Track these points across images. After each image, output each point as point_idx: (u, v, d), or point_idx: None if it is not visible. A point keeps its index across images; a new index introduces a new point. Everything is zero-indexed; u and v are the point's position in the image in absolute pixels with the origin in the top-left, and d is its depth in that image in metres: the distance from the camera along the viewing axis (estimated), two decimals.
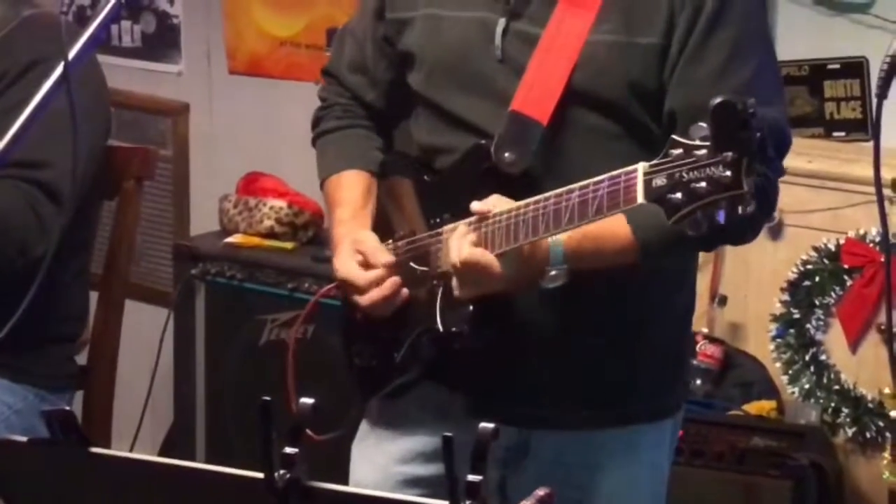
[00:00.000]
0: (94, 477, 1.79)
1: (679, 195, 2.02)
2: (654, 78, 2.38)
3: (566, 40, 2.40)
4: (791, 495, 3.31)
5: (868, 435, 3.47)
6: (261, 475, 1.58)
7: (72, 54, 2.18)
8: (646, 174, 2.07)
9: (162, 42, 4.47)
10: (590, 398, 2.50)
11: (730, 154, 1.98)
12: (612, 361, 2.51)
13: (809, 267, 3.57)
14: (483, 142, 2.41)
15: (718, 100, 2.03)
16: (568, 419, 2.49)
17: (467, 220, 2.32)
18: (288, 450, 1.59)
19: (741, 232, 2.48)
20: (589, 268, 2.34)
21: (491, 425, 1.52)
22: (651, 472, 2.60)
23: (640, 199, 2.08)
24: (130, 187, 3.23)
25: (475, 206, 2.30)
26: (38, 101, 2.20)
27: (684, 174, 2.02)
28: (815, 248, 3.56)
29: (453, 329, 2.41)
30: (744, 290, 3.66)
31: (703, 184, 2.00)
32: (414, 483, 2.52)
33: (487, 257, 2.25)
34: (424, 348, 2.49)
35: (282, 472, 1.58)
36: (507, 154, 2.37)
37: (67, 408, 3.00)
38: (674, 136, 2.05)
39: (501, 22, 2.44)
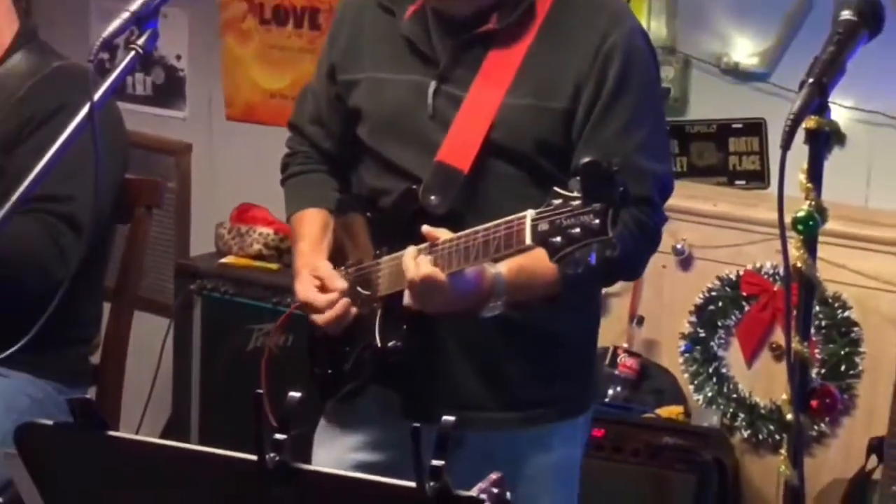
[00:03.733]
0: (109, 456, 1.79)
1: (559, 238, 2.04)
2: (560, 136, 2.38)
3: (486, 102, 2.40)
4: (695, 486, 3.33)
5: (760, 436, 3.52)
6: (254, 457, 1.58)
7: (96, 97, 2.16)
8: (533, 220, 2.07)
9: (169, 91, 4.46)
10: (509, 404, 2.50)
11: (598, 205, 2.00)
12: (528, 371, 2.50)
13: (713, 294, 3.60)
14: (413, 186, 2.40)
15: (586, 159, 2.06)
16: (491, 421, 2.48)
17: (419, 246, 2.30)
18: (278, 436, 1.62)
19: (628, 271, 2.54)
20: (522, 299, 2.34)
21: (452, 418, 1.53)
22: (565, 462, 2.60)
23: (528, 241, 2.08)
24: (141, 214, 3.22)
25: (426, 229, 2.29)
26: (64, 140, 2.16)
27: (563, 221, 2.04)
28: (719, 278, 3.58)
29: (389, 344, 2.41)
30: (658, 312, 3.66)
31: (578, 229, 2.02)
32: (364, 468, 2.49)
33: (442, 276, 2.24)
34: (367, 361, 2.48)
35: (272, 454, 1.61)
36: (432, 197, 2.37)
37: (83, 396, 3.01)
38: (555, 188, 2.06)
39: (433, 84, 2.43)
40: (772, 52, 3.57)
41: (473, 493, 1.53)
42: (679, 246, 3.56)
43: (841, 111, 3.35)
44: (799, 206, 2.33)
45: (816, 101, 2.25)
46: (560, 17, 2.42)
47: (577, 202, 2.02)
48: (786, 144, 2.25)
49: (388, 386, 2.50)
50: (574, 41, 2.40)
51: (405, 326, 2.40)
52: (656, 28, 3.59)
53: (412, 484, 1.52)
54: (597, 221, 2.00)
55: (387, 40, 2.51)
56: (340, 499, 1.65)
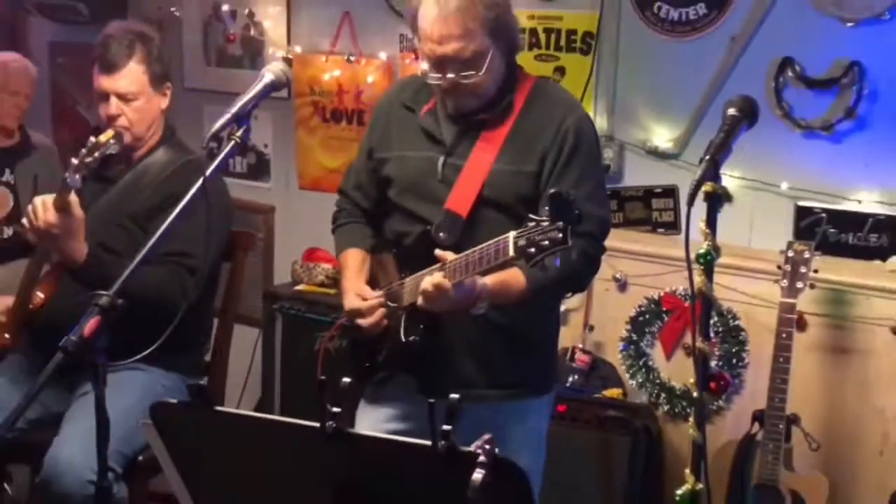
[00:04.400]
0: (216, 425, 1.79)
1: (533, 249, 2.07)
2: (531, 190, 2.39)
3: (479, 168, 2.41)
4: (630, 446, 3.32)
5: (676, 410, 3.50)
6: (317, 424, 1.60)
7: (208, 171, 2.18)
8: (514, 238, 2.10)
9: (259, 169, 4.46)
10: (494, 384, 2.49)
11: (561, 223, 2.04)
12: (510, 360, 2.50)
13: (642, 309, 3.57)
14: (427, 229, 2.41)
15: (552, 190, 2.11)
16: (481, 396, 2.45)
17: (434, 266, 2.30)
18: (334, 409, 1.62)
19: (576, 283, 2.53)
20: (501, 302, 2.35)
21: (457, 396, 1.55)
22: (536, 429, 2.59)
23: (511, 253, 2.10)
24: (239, 256, 3.24)
25: (439, 252, 2.29)
26: (184, 204, 2.18)
27: (535, 237, 2.07)
28: (646, 298, 3.55)
29: (410, 339, 2.41)
30: (604, 322, 3.63)
31: (546, 242, 2.06)
32: (392, 434, 2.46)
33: (448, 285, 2.24)
34: (394, 354, 2.48)
35: (329, 423, 1.61)
36: (441, 234, 2.38)
37: (199, 383, 3.02)
38: (530, 215, 2.09)
39: (441, 158, 2.44)
40: (681, 139, 3.57)
41: (472, 448, 1.54)
42: (618, 276, 3.55)
43: (731, 179, 3.35)
44: (700, 246, 2.35)
45: (711, 172, 2.27)
46: (530, 109, 2.44)
47: (545, 223, 2.06)
48: (690, 202, 2.27)
49: (409, 372, 2.49)
50: (540, 125, 2.42)
51: (421, 327, 2.41)
52: (600, 122, 3.59)
53: (428, 443, 1.53)
54: (560, 235, 2.05)
55: (409, 129, 2.52)
56: (377, 454, 1.65)
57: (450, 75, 2.34)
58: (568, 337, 3.55)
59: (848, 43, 3.26)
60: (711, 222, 2.31)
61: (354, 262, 2.57)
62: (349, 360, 2.59)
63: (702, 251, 2.32)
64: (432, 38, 2.32)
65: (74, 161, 2.68)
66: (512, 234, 2.11)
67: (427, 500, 1.63)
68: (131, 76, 2.91)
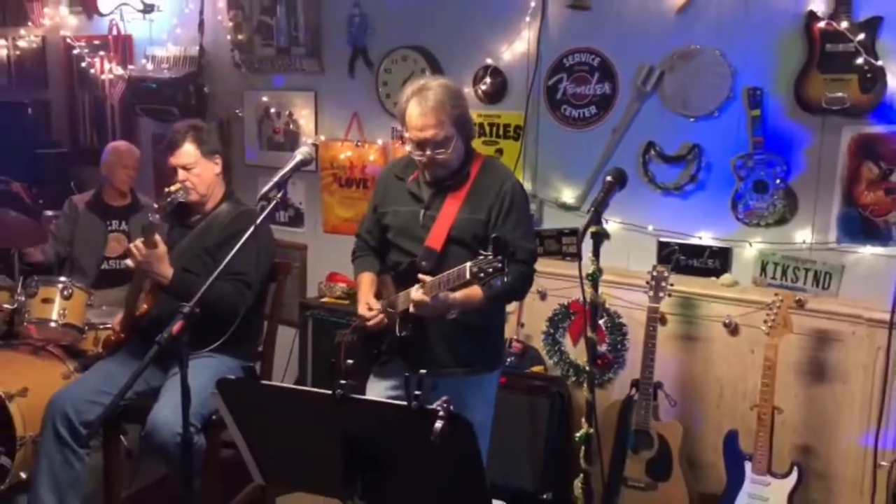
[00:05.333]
0: (263, 395, 1.80)
1: (482, 274, 2.08)
2: (483, 231, 2.39)
3: (448, 217, 2.42)
4: (549, 406, 3.29)
5: (580, 380, 3.46)
6: (330, 392, 1.63)
7: (259, 220, 2.21)
8: (469, 267, 2.11)
9: (296, 219, 4.40)
10: (461, 362, 2.48)
11: (500, 257, 2.05)
12: (472, 347, 2.49)
13: (557, 310, 3.55)
14: (414, 259, 2.41)
15: (494, 234, 2.14)
16: (451, 373, 2.45)
17: (416, 286, 2.30)
18: (343, 381, 1.64)
19: (517, 295, 2.53)
20: (468, 310, 2.34)
21: (425, 371, 1.60)
22: (488, 394, 2.58)
23: (467, 276, 2.12)
24: (281, 278, 3.21)
25: (420, 276, 2.30)
26: (242, 243, 2.22)
27: (483, 266, 2.08)
28: (560, 304, 3.53)
29: (403, 334, 2.41)
30: (532, 320, 3.60)
31: (491, 269, 2.07)
32: (392, 398, 2.43)
33: (427, 299, 2.25)
34: (392, 344, 2.47)
35: (338, 391, 1.63)
36: (423, 263, 2.38)
37: (251, 365, 2.99)
38: (480, 251, 2.10)
39: (422, 211, 2.45)
40: (581, 196, 3.57)
41: (434, 406, 1.56)
42: (540, 290, 3.54)
43: (615, 223, 3.37)
44: (589, 269, 2.37)
45: (595, 219, 2.31)
46: (481, 178, 2.45)
47: (490, 256, 2.08)
48: (580, 240, 2.30)
49: (402, 356, 2.48)
50: (487, 188, 2.43)
51: (410, 325, 2.40)
52: (528, 185, 3.59)
53: (405, 403, 1.55)
54: (500, 265, 2.06)
55: (400, 192, 2.53)
56: (372, 412, 1.66)
57: (428, 152, 2.38)
58: (507, 331, 3.48)
59: (691, 132, 3.29)
60: (596, 252, 2.34)
61: (366, 282, 2.58)
62: (360, 349, 2.58)
63: (590, 272, 2.35)
64: (416, 127, 2.36)
65: (155, 205, 2.79)
66: (468, 264, 2.13)
67: (407, 443, 1.64)
68: (188, 152, 2.93)
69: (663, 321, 3.22)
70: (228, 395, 1.79)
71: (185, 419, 2.08)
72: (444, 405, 1.55)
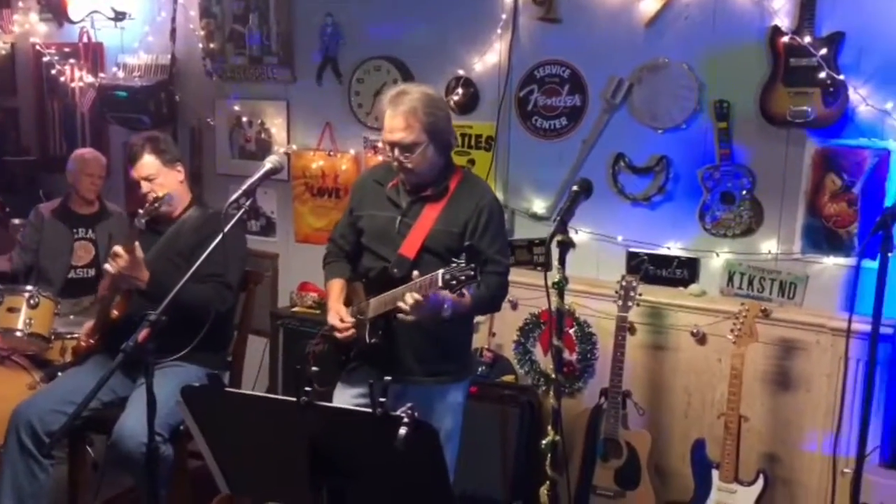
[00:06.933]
0: (228, 403, 1.80)
1: (455, 282, 2.09)
2: (457, 244, 2.39)
3: (424, 226, 2.42)
4: (519, 415, 3.29)
5: (550, 390, 3.43)
6: (294, 399, 1.62)
7: (232, 222, 2.21)
8: (442, 273, 2.12)
9: (268, 229, 4.38)
10: (428, 372, 2.48)
11: (473, 265, 2.07)
12: (439, 357, 2.49)
13: (528, 320, 3.55)
14: (386, 265, 2.41)
15: (467, 244, 2.18)
16: (419, 382, 2.45)
17: (404, 287, 2.27)
18: (307, 388, 1.64)
19: (492, 305, 2.52)
20: (459, 311, 2.32)
21: (389, 378, 1.60)
22: (454, 403, 2.56)
23: (440, 283, 2.12)
24: (252, 287, 3.21)
25: (415, 273, 2.27)
26: (214, 244, 2.23)
27: (456, 273, 2.09)
28: (531, 314, 3.54)
29: (371, 340, 2.40)
30: (503, 331, 3.61)
31: (463, 277, 2.08)
32: (358, 406, 2.42)
33: (421, 298, 2.23)
34: (361, 352, 2.46)
35: (303, 398, 1.62)
36: (395, 270, 2.38)
37: (216, 373, 2.96)
38: (453, 258, 2.12)
39: (398, 218, 2.45)
40: (551, 207, 3.59)
41: (399, 413, 1.56)
42: (511, 299, 3.53)
43: (584, 234, 3.39)
44: (555, 277, 2.38)
45: (562, 228, 2.32)
46: (460, 191, 2.46)
47: (463, 264, 2.10)
48: (547, 248, 2.32)
49: (371, 364, 2.47)
50: (465, 201, 2.45)
51: (380, 332, 2.40)
52: (499, 195, 3.59)
53: (370, 410, 1.55)
54: (472, 273, 2.08)
55: (378, 197, 2.53)
56: (336, 418, 1.67)
57: (396, 153, 2.40)
58: (478, 340, 3.54)
59: (659, 143, 3.33)
60: (562, 261, 2.35)
61: (336, 288, 2.58)
62: (329, 355, 2.57)
63: (556, 280, 2.37)
64: (386, 128, 2.41)
65: (140, 211, 2.82)
66: (441, 271, 2.15)
67: (372, 450, 1.64)
68: (148, 163, 2.94)
69: (632, 330, 3.24)
70: (193, 403, 1.78)
71: (150, 429, 2.06)
72: (409, 412, 1.55)
